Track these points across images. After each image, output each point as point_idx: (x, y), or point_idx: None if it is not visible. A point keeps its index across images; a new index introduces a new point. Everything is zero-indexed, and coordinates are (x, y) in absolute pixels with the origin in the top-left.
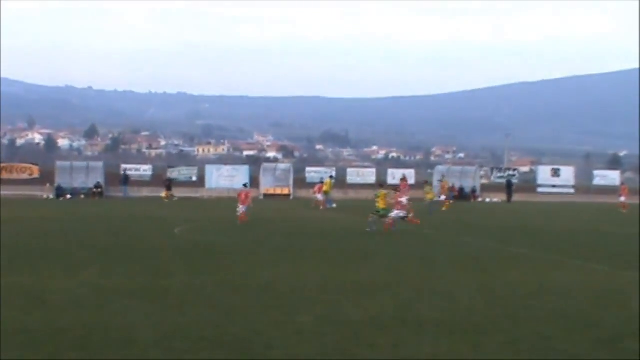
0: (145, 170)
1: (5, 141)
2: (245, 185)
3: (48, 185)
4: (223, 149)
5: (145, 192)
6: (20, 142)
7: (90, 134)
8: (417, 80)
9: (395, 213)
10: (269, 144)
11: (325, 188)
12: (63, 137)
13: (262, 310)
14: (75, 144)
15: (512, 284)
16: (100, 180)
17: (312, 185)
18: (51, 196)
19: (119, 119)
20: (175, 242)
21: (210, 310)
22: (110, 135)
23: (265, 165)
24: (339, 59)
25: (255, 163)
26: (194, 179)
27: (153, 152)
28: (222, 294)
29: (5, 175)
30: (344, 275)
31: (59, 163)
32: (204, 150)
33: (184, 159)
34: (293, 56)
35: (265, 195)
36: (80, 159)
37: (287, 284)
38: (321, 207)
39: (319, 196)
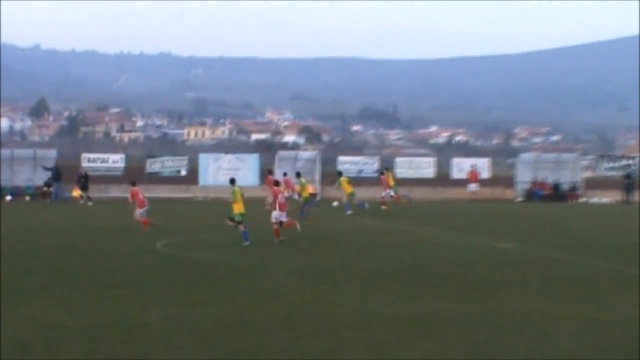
0: (115, 161)
1: None
2: (133, 183)
3: None
4: (223, 132)
5: (116, 192)
6: None
7: (38, 111)
8: (493, 34)
9: (276, 214)
10: (286, 124)
11: (349, 190)
12: (12, 117)
13: (278, 354)
14: (18, 126)
15: (631, 320)
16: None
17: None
18: None
19: (78, 90)
20: (158, 261)
21: (206, 355)
22: (66, 114)
23: (282, 153)
24: (384, 5)
25: (267, 150)
26: (183, 172)
27: (126, 137)
28: (222, 331)
29: None
30: (390, 304)
31: None
32: (196, 134)
33: (169, 145)
34: (320, 2)
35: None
36: (24, 146)
37: (311, 317)
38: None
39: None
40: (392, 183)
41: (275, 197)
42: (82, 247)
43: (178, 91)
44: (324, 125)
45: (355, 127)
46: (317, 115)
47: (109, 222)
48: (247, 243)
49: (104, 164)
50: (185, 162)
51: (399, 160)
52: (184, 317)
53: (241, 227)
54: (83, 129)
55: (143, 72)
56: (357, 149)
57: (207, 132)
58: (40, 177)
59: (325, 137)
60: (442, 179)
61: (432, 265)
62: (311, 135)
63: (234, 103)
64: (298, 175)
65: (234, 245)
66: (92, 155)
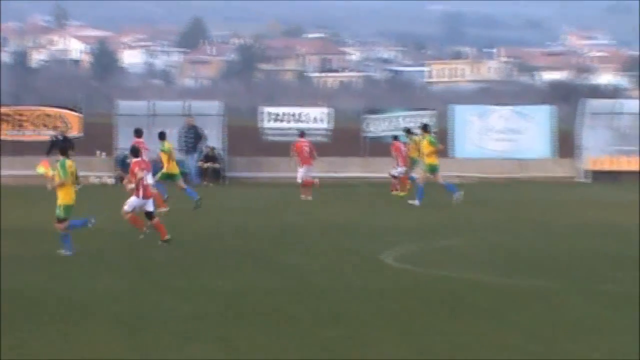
0: (315, 119)
1: (3, 58)
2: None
3: (100, 153)
4: (492, 69)
5: (318, 168)
6: (37, 59)
7: (192, 39)
8: None
9: (133, 202)
10: (600, 54)
11: (432, 158)
12: (131, 46)
13: None
14: (159, 63)
15: None
16: (217, 142)
17: None
18: (109, 180)
19: (253, 5)
20: (388, 284)
21: None
22: (236, 42)
23: (593, 103)
24: None
25: (567, 99)
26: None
27: (332, 79)
28: None
29: (6, 132)
30: None
31: (122, 104)
32: (447, 73)
33: (402, 92)
34: None
35: (595, 174)
36: (170, 95)
37: None
38: (304, 197)
39: (300, 173)
40: (413, 155)
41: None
42: (263, 258)
43: (414, 2)
44: None
45: None
46: None
47: (307, 218)
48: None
49: (297, 124)
50: (430, 118)
51: None
52: None
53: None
54: (263, 66)
55: None
56: None
57: (466, 70)
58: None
59: None
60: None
61: None
62: None
63: (509, 20)
64: (162, 136)
65: (504, 256)
66: (278, 110)
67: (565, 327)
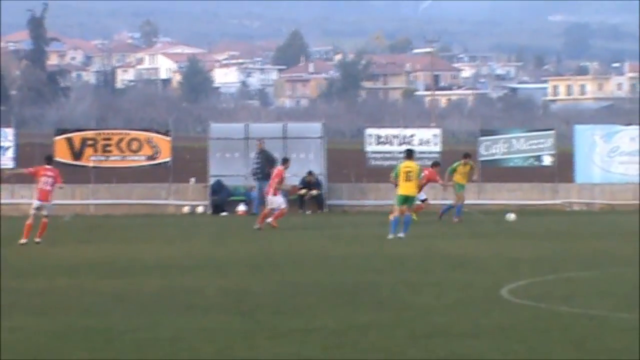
0: (424, 141)
1: (87, 77)
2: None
3: (192, 180)
4: (619, 85)
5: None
6: (123, 79)
7: (289, 55)
8: None
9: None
10: None
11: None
12: (224, 64)
13: None
14: (254, 81)
15: None
16: (316, 166)
17: None
18: (200, 208)
19: (353, 16)
20: (506, 322)
21: None
22: (337, 58)
23: None
24: None
25: None
26: (547, 161)
27: (444, 98)
28: None
29: (89, 157)
30: None
31: (215, 127)
32: (569, 90)
33: (521, 110)
34: None
35: None
36: (267, 117)
37: None
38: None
39: (274, 200)
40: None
41: None
42: (372, 292)
43: (534, 13)
44: None
45: None
46: None
47: (415, 249)
48: None
49: (404, 147)
50: (550, 141)
51: None
52: None
53: None
54: (366, 84)
55: None
56: None
57: (590, 86)
58: (295, 171)
59: None
60: None
61: None
62: None
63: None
64: None
65: (635, 291)
66: (384, 132)
67: None
